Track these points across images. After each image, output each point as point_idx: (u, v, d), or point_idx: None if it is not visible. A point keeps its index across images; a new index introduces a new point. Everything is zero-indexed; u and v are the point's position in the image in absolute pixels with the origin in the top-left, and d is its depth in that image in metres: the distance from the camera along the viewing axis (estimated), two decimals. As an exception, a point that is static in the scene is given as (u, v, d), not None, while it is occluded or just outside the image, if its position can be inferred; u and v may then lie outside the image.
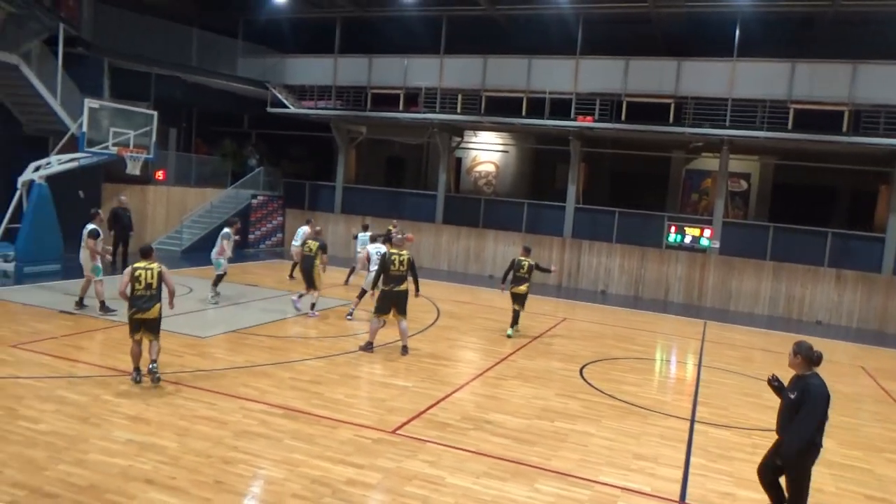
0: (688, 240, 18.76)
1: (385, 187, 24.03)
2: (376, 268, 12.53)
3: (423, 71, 20.55)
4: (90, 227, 11.54)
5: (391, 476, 5.98)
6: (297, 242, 15.38)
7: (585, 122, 18.68)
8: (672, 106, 17.88)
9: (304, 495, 5.47)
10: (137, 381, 7.81)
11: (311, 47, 22.27)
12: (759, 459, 7.13)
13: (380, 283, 10.42)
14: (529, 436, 7.26)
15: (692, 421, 8.33)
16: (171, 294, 8.12)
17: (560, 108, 18.98)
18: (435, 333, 12.08)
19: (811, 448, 5.25)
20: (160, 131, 16.95)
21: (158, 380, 7.81)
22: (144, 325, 7.85)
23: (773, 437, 5.71)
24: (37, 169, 14.76)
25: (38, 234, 14.53)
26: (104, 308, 11.18)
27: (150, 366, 7.82)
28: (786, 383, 5.67)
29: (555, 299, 17.00)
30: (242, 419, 7.04)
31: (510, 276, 12.31)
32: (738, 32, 17.37)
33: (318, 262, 12.41)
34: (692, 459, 7.04)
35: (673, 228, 18.92)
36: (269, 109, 22.08)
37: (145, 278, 7.79)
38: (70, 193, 16.54)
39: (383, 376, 9.10)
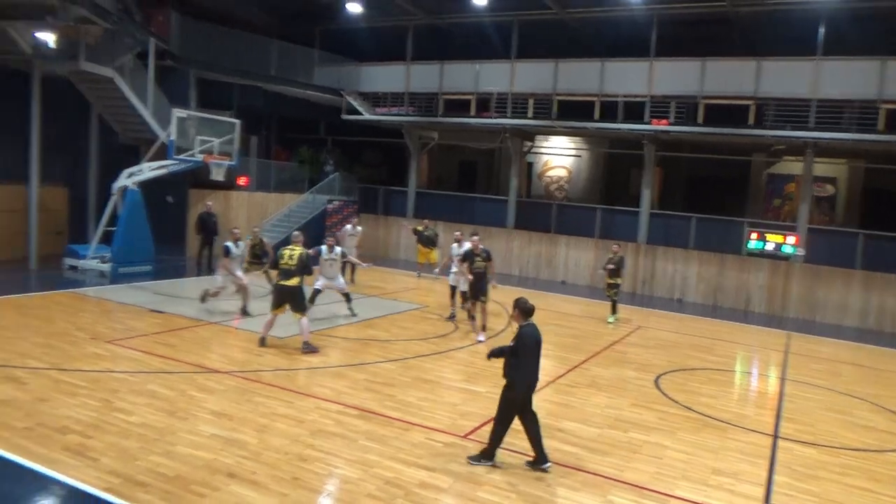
0: (770, 247, 17.99)
1: (456, 192, 24.17)
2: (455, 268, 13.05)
3: (494, 76, 20.58)
4: (225, 244, 12.09)
5: (462, 481, 6.02)
6: (334, 254, 12.46)
7: (660, 126, 18.23)
8: (752, 108, 17.21)
9: (377, 496, 5.58)
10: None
11: (384, 55, 22.70)
12: (848, 481, 6.84)
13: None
14: (602, 446, 7.15)
15: (775, 437, 7.99)
16: (269, 255, 12.90)
17: (634, 111, 18.60)
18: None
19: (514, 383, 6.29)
20: (242, 139, 17.68)
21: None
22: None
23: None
24: (130, 175, 15.67)
25: (132, 236, 15.42)
26: (203, 299, 12.06)
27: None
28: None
29: (629, 307, 16.62)
30: (319, 418, 7.24)
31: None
32: (822, 30, 16.57)
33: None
34: (775, 477, 6.75)
35: (754, 235, 18.18)
36: (344, 116, 22.63)
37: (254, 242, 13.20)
38: (160, 198, 17.51)
39: (455, 380, 9.16)
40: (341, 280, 12.62)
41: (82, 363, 8.54)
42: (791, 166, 20.59)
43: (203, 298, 12.02)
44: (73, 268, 15.42)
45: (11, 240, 15.92)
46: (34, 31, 14.33)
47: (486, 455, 6.37)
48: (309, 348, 9.90)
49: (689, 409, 8.73)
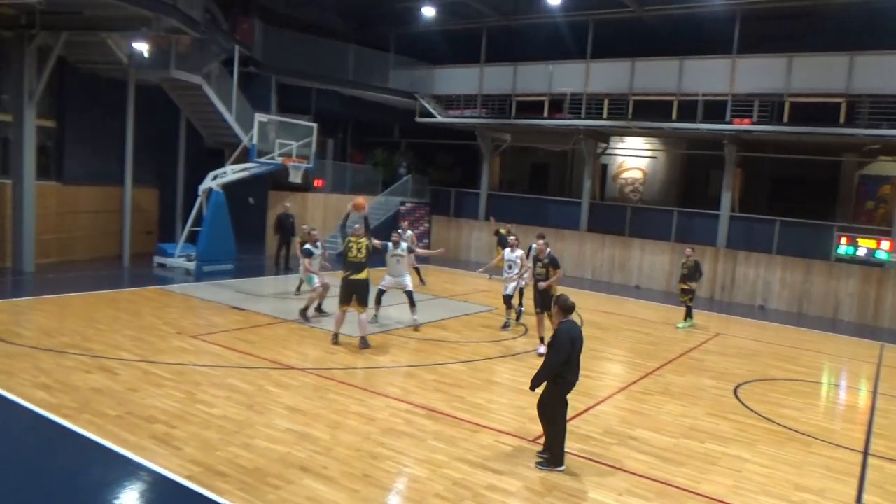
0: (862, 252, 16.97)
1: (529, 194, 24.03)
2: (512, 272, 12.47)
3: (568, 76, 20.34)
4: (305, 246, 12.11)
5: (531, 485, 5.98)
6: (401, 250, 11.84)
7: (743, 126, 17.54)
8: (843, 105, 16.29)
9: (445, 496, 5.62)
10: None
11: (457, 57, 22.83)
12: (947, 503, 6.36)
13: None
14: (677, 455, 6.95)
15: (865, 454, 7.53)
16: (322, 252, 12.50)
17: (714, 110, 17.97)
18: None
19: (558, 380, 6.34)
20: (319, 142, 18.17)
21: None
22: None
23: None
24: (214, 178, 16.39)
25: (216, 236, 16.13)
26: (304, 314, 11.61)
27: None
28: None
29: (707, 313, 16.08)
30: (389, 417, 7.36)
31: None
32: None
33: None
34: (865, 497, 6.37)
35: (844, 239, 17.20)
36: (418, 119, 22.90)
37: (304, 240, 12.78)
38: (242, 200, 18.22)
39: (525, 383, 9.05)
40: (408, 279, 11.97)
41: (168, 356, 9.00)
42: (887, 167, 19.37)
43: (305, 315, 11.59)
44: (162, 265, 16.27)
45: (108, 239, 16.98)
46: (130, 41, 15.25)
47: (554, 461, 6.32)
48: (365, 344, 10.06)
49: (771, 420, 8.36)
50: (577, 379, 6.47)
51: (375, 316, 11.91)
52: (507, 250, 12.72)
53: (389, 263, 11.93)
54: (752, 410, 8.73)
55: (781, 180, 21.77)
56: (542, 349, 10.88)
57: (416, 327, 11.68)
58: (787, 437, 7.83)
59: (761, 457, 7.11)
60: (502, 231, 18.50)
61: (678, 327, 13.90)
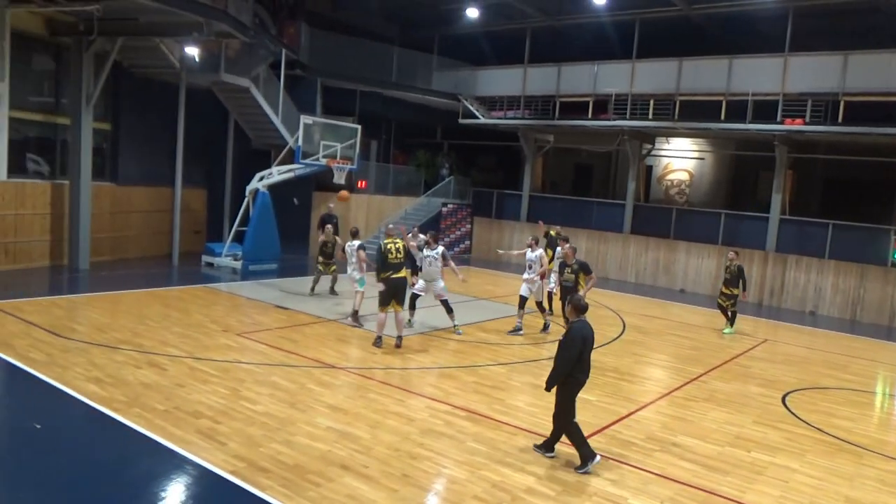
0: (922, 258, 16.30)
1: (572, 196, 23.81)
2: (532, 274, 12.05)
3: (613, 77, 20.10)
4: (356, 243, 11.82)
5: (570, 490, 5.93)
6: (436, 253, 11.50)
7: (795, 126, 17.03)
8: (904, 105, 15.69)
9: (484, 498, 5.62)
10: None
11: (501, 59, 22.79)
12: None
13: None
14: (721, 464, 6.79)
15: (922, 467, 7.25)
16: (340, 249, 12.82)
17: (764, 110, 17.50)
18: (620, 347, 11.73)
19: (569, 380, 6.42)
20: (362, 143, 18.37)
21: None
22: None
23: None
24: (261, 179, 16.72)
25: (261, 236, 16.45)
26: (355, 318, 11.51)
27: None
28: None
29: (754, 318, 15.67)
30: (428, 417, 7.39)
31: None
32: None
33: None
34: (920, 512, 6.13)
35: (902, 244, 16.56)
36: (461, 121, 22.93)
37: (327, 240, 13.80)
38: (287, 200, 18.53)
39: (564, 387, 9.03)
40: (441, 284, 11.51)
41: (214, 353, 9.23)
42: (949, 169, 18.56)
43: (356, 319, 11.53)
44: (210, 264, 16.68)
45: (158, 238, 17.50)
46: (182, 46, 15.69)
47: (585, 458, 6.33)
48: (400, 342, 10.19)
49: (821, 430, 8.10)
50: (587, 377, 6.54)
51: (410, 321, 11.78)
52: (528, 249, 12.32)
53: (422, 265, 11.82)
54: (801, 419, 8.47)
55: (835, 182, 21.08)
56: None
57: (456, 333, 11.48)
58: (837, 447, 7.58)
59: (810, 467, 6.90)
60: (552, 233, 18.37)
61: (724, 333, 13.59)
